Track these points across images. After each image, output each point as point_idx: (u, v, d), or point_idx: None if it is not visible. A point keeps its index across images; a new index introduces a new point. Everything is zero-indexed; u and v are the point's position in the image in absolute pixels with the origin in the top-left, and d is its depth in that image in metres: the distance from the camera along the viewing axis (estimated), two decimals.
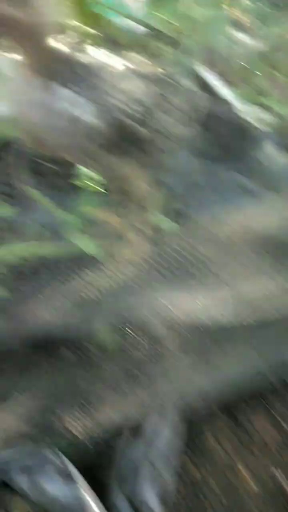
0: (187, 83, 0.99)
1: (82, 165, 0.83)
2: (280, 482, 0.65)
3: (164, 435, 0.66)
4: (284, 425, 0.70)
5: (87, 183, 1.03)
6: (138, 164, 0.68)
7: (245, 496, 0.63)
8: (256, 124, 1.17)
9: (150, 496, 0.58)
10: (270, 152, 1.09)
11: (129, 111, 0.60)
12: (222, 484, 0.65)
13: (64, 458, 0.58)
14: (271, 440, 0.69)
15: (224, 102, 1.11)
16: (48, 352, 0.78)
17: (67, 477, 0.57)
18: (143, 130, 0.63)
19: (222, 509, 0.62)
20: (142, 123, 0.61)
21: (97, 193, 0.99)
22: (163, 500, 0.62)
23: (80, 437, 0.72)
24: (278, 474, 0.66)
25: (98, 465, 0.70)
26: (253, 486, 0.65)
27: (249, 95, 1.45)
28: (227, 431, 0.71)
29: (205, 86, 1.33)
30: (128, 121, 0.59)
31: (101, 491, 0.62)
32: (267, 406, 0.74)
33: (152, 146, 0.68)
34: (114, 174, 0.70)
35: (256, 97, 1.46)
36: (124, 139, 0.60)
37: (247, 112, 1.28)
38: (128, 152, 0.62)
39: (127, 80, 0.61)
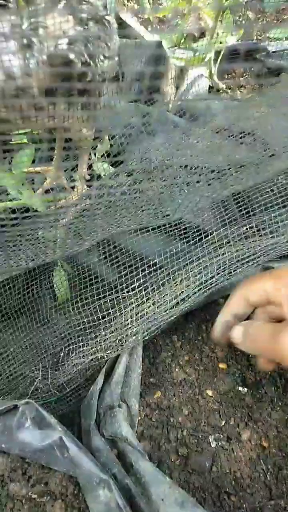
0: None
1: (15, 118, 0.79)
2: (243, 398, 0.69)
3: (134, 373, 0.67)
4: None
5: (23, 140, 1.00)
6: (76, 107, 0.66)
7: (210, 414, 0.67)
8: (183, 64, 1.17)
9: (128, 432, 0.60)
10: (197, 90, 1.10)
11: (63, 48, 0.57)
12: (189, 408, 0.68)
13: (38, 407, 0.58)
14: (232, 362, 0.73)
15: (150, 44, 1.09)
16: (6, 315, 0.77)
17: (42, 423, 0.57)
18: (78, 69, 0.60)
19: (190, 427, 0.66)
20: (76, 61, 0.59)
21: (34, 146, 0.96)
22: (137, 431, 0.65)
23: (52, 387, 0.72)
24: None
25: (74, 412, 0.71)
26: (217, 403, 0.68)
27: (175, 38, 1.43)
28: (188, 358, 0.74)
29: (127, 30, 1.29)
30: (63, 60, 0.57)
31: (81, 437, 0.64)
32: None
33: (87, 87, 0.65)
34: (51, 122, 0.67)
35: (182, 39, 1.45)
36: (61, 80, 0.58)
37: (174, 54, 1.27)
38: (65, 94, 0.60)
39: (55, 17, 0.58)
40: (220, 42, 1.26)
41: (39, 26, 0.53)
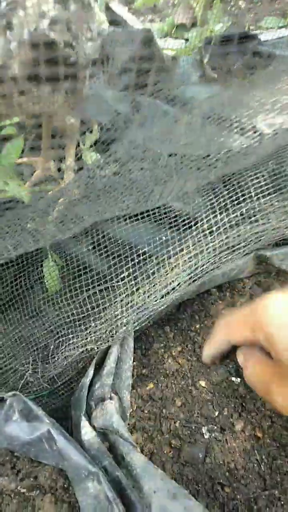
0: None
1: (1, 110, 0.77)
2: (237, 388, 0.68)
3: (125, 364, 0.66)
4: None
5: (10, 129, 0.98)
6: (63, 94, 0.64)
7: (203, 405, 0.66)
8: (174, 54, 1.15)
9: (119, 425, 0.59)
10: (188, 79, 1.08)
11: (44, 29, 0.56)
12: (182, 399, 0.67)
13: (26, 399, 0.57)
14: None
15: (138, 32, 1.07)
16: None
17: (29, 416, 0.56)
18: (65, 54, 0.59)
19: (183, 419, 0.65)
20: (63, 46, 0.57)
21: (21, 137, 0.94)
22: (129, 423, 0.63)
23: (43, 380, 0.71)
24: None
25: (67, 406, 0.70)
26: (210, 394, 0.67)
27: (166, 27, 1.42)
28: (181, 349, 0.73)
29: (114, 17, 1.28)
30: (45, 40, 0.55)
31: (72, 429, 0.62)
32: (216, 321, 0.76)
33: (75, 72, 0.64)
34: (35, 107, 0.65)
35: (172, 30, 1.43)
36: (44, 62, 0.56)
37: (165, 44, 1.25)
38: (48, 77, 0.58)
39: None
40: (211, 31, 1.24)
41: (17, 6, 0.52)
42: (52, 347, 0.68)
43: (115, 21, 1.36)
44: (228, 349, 0.58)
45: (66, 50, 0.57)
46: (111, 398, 0.62)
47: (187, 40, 1.20)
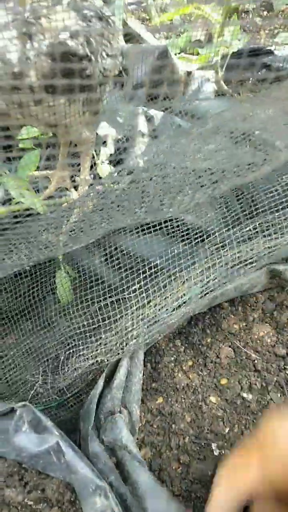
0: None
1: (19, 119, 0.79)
2: (249, 405, 0.67)
3: (135, 377, 0.66)
4: (243, 349, 0.72)
5: (28, 143, 1.00)
6: (76, 104, 0.65)
7: (213, 421, 0.65)
8: (189, 68, 1.16)
9: (128, 440, 0.58)
10: (203, 94, 1.09)
11: (64, 40, 0.57)
12: (192, 415, 0.66)
13: (35, 410, 0.57)
14: (231, 361, 0.72)
15: (155, 48, 1.09)
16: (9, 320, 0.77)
17: (38, 427, 0.55)
18: (78, 61, 0.60)
19: (193, 434, 0.64)
20: (76, 52, 0.58)
21: (39, 149, 0.96)
22: (137, 438, 0.63)
23: (52, 391, 0.71)
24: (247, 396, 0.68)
25: (76, 418, 0.70)
26: (221, 410, 0.66)
27: (180, 43, 1.43)
28: (192, 363, 0.73)
29: (132, 34, 1.30)
30: (63, 50, 0.56)
31: (80, 441, 0.62)
32: (227, 335, 0.75)
33: (92, 86, 0.65)
34: (52, 118, 0.67)
35: (187, 45, 1.45)
36: (61, 72, 0.57)
37: (179, 59, 1.26)
38: (65, 88, 0.59)
39: (59, 11, 0.58)
40: (227, 47, 1.25)
41: (41, 17, 0.53)
42: (62, 358, 0.68)
43: (132, 37, 1.38)
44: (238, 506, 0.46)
45: (83, 63, 0.58)
46: (120, 412, 0.62)
47: (198, 55, 1.21)
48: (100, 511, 0.45)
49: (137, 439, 0.63)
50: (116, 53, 0.67)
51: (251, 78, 1.20)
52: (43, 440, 0.53)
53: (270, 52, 1.30)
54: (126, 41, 1.33)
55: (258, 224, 0.63)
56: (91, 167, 0.84)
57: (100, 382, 0.65)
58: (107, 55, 0.64)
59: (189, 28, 1.43)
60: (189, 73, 1.19)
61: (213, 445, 0.63)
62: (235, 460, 0.47)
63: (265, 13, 1.72)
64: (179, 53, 1.39)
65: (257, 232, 0.64)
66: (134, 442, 0.58)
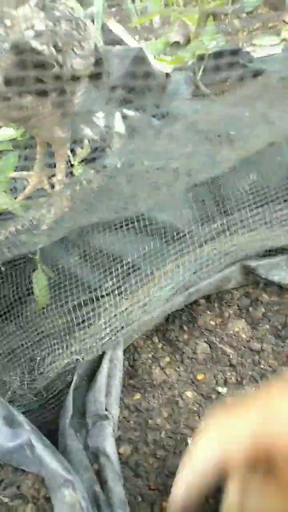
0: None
1: None
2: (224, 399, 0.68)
3: (115, 380, 0.66)
4: (219, 345, 0.73)
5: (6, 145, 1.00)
6: (48, 106, 0.66)
7: (189, 415, 0.66)
8: (166, 69, 1.18)
9: (111, 448, 0.59)
10: (181, 95, 1.11)
11: (28, 38, 0.58)
12: (169, 410, 0.67)
13: (9, 405, 0.57)
14: (207, 357, 0.73)
15: (131, 50, 1.10)
16: None
17: (13, 423, 0.56)
18: (54, 68, 0.61)
19: (169, 429, 0.65)
20: (41, 50, 0.59)
21: (15, 151, 0.96)
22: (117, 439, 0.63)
23: (30, 392, 0.71)
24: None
25: (57, 418, 0.70)
26: (197, 405, 0.67)
27: (160, 45, 1.45)
28: (169, 360, 0.73)
29: (111, 36, 1.31)
30: (27, 48, 0.57)
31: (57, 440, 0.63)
32: (204, 331, 0.76)
33: (61, 85, 0.66)
34: (27, 121, 0.67)
35: (167, 47, 1.47)
36: (29, 75, 0.58)
37: (157, 61, 1.28)
38: (34, 90, 0.60)
39: (26, 11, 0.58)
40: (205, 49, 1.27)
41: (5, 16, 0.54)
42: (38, 358, 0.68)
43: (111, 39, 1.40)
44: (215, 474, 0.38)
45: (49, 63, 0.59)
46: (107, 417, 0.62)
47: (176, 55, 1.23)
48: (68, 503, 0.45)
49: (116, 438, 0.64)
50: (87, 54, 0.68)
51: (228, 79, 1.21)
52: (17, 435, 0.54)
53: (248, 54, 1.32)
54: (106, 43, 1.34)
55: (229, 221, 0.65)
56: (68, 167, 0.85)
57: (75, 380, 0.65)
58: (77, 55, 0.65)
59: (168, 30, 1.44)
60: (167, 75, 1.21)
61: (189, 440, 0.64)
62: (228, 411, 0.40)
63: (244, 15, 1.75)
64: (157, 55, 1.41)
65: (228, 228, 0.66)
66: (116, 453, 0.59)
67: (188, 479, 0.39)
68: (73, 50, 0.67)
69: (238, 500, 0.37)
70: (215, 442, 0.38)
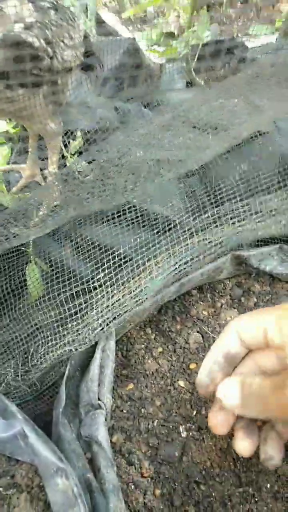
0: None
1: None
2: None
3: (108, 369, 0.67)
4: (211, 334, 0.74)
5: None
6: (39, 97, 0.66)
7: (182, 404, 0.67)
8: (160, 60, 1.18)
9: (103, 437, 0.59)
10: (175, 86, 1.10)
11: (18, 31, 0.58)
12: (161, 399, 0.68)
13: (2, 397, 0.58)
14: (199, 346, 0.73)
15: (124, 40, 1.10)
16: None
17: (6, 413, 0.57)
18: (45, 61, 0.60)
19: (161, 418, 0.66)
20: (31, 43, 0.59)
21: (8, 144, 0.96)
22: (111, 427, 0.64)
23: (24, 384, 0.72)
24: None
25: (50, 409, 0.71)
26: (189, 394, 0.68)
27: (154, 36, 1.44)
28: (162, 350, 0.74)
29: (104, 27, 1.30)
30: (16, 41, 0.57)
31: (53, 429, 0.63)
32: (196, 321, 0.77)
33: (51, 77, 0.66)
34: (19, 114, 0.67)
35: (161, 37, 1.46)
36: (19, 67, 0.58)
37: (151, 52, 1.27)
38: (24, 83, 0.60)
39: (15, 3, 0.58)
40: (198, 39, 1.26)
41: None
42: (32, 350, 0.69)
43: (105, 30, 1.39)
44: (236, 357, 0.50)
45: (40, 54, 0.59)
46: (100, 406, 0.63)
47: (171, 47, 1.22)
48: (61, 491, 0.46)
49: (109, 427, 0.65)
50: (77, 44, 0.68)
51: (222, 70, 1.21)
52: (10, 425, 0.54)
53: (242, 44, 1.31)
54: (99, 34, 1.33)
55: (219, 211, 0.65)
56: (61, 159, 0.85)
57: (68, 370, 0.66)
58: (67, 46, 0.64)
59: (161, 20, 1.44)
60: (161, 65, 1.20)
61: (181, 428, 0.64)
62: (248, 313, 0.50)
63: (239, 3, 1.74)
64: (151, 46, 1.40)
65: (219, 218, 0.66)
66: (108, 441, 0.59)
67: (211, 360, 0.51)
68: (62, 41, 0.67)
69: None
70: (235, 332, 0.48)
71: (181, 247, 0.68)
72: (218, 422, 0.53)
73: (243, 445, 0.52)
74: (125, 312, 0.68)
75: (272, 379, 0.45)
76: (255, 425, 0.55)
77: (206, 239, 0.68)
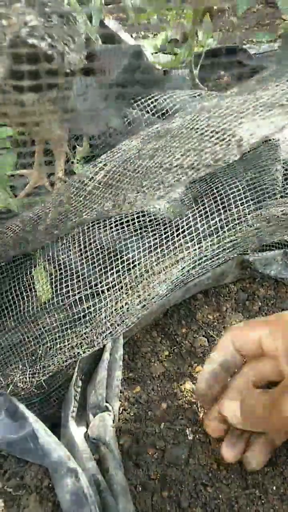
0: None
1: None
2: None
3: (115, 372, 0.68)
4: (217, 338, 0.75)
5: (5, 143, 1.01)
6: (46, 103, 0.67)
7: (188, 407, 0.68)
8: (163, 68, 1.19)
9: (111, 441, 0.60)
10: (176, 92, 1.11)
11: (24, 36, 0.59)
12: (168, 402, 0.69)
13: (12, 398, 0.59)
14: (205, 350, 0.74)
15: (129, 47, 1.11)
16: None
17: (16, 415, 0.57)
18: (51, 63, 0.62)
19: (168, 420, 0.66)
20: (38, 46, 0.60)
21: (14, 150, 0.97)
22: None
23: (31, 386, 0.73)
24: None
25: (59, 412, 0.71)
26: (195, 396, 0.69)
27: (157, 43, 1.46)
28: (168, 353, 0.75)
29: (109, 35, 1.31)
30: (24, 45, 0.58)
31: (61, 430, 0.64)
32: (201, 325, 0.78)
33: (57, 82, 0.67)
34: (25, 120, 0.69)
35: (165, 45, 1.48)
36: (26, 72, 0.59)
37: (155, 59, 1.29)
38: (32, 88, 0.61)
39: (18, 9, 0.60)
40: (202, 46, 1.28)
41: (1, 17, 0.55)
42: (40, 352, 0.70)
43: (109, 36, 1.40)
44: (232, 365, 0.53)
45: (47, 58, 0.61)
46: (107, 408, 0.64)
47: (176, 54, 1.24)
48: (71, 492, 0.47)
49: (117, 429, 0.65)
50: (79, 48, 0.69)
51: (225, 76, 1.23)
52: (20, 427, 0.55)
53: (245, 51, 1.33)
54: (103, 41, 1.35)
55: (227, 217, 0.66)
56: (67, 164, 0.86)
57: (76, 373, 0.67)
58: (71, 50, 0.66)
59: (165, 28, 1.45)
60: (165, 72, 1.22)
61: (188, 430, 0.65)
62: (243, 323, 0.53)
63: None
64: (156, 53, 1.42)
65: (227, 224, 0.67)
66: (116, 443, 0.60)
67: (209, 370, 0.53)
68: (66, 44, 0.69)
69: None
70: (230, 342, 0.50)
71: (188, 252, 0.69)
72: (212, 429, 0.59)
73: (230, 454, 0.57)
74: (132, 316, 0.69)
75: (270, 394, 0.46)
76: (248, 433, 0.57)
77: (213, 244, 0.69)
